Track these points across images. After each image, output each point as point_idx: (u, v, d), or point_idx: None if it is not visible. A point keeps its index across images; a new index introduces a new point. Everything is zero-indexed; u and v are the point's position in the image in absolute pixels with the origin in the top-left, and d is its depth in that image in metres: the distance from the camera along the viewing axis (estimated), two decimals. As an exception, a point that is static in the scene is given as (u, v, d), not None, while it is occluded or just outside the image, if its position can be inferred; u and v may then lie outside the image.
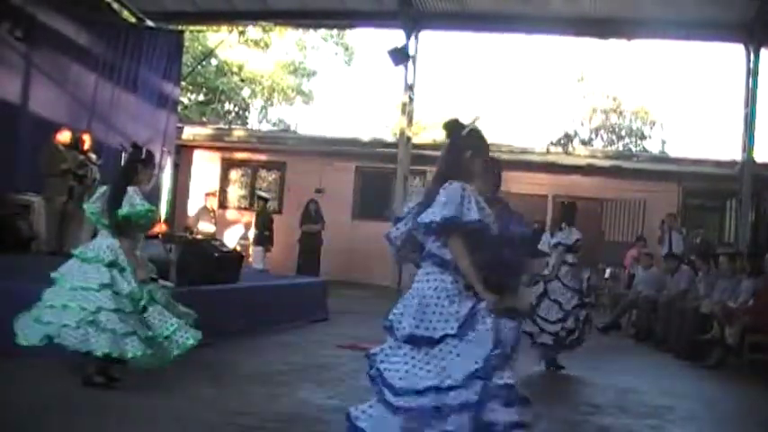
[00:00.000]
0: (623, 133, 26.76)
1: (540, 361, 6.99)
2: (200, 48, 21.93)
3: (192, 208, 14.80)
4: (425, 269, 3.06)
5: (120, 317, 4.57)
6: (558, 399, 5.71)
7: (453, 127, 3.23)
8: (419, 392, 2.83)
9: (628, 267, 12.48)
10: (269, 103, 26.21)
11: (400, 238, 3.19)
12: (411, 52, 13.69)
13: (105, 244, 4.78)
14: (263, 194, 13.93)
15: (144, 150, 5.08)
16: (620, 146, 26.07)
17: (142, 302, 4.73)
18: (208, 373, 5.41)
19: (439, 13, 13.87)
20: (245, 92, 25.48)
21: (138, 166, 4.97)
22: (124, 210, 4.72)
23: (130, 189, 4.81)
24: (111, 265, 4.71)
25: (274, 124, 26.24)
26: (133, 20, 14.66)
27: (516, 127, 36.93)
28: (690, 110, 36.47)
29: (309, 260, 12.86)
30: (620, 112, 26.77)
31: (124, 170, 5.02)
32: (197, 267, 7.04)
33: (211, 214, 12.57)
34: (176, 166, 15.29)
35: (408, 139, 14.26)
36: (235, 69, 24.47)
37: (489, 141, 3.34)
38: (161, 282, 5.17)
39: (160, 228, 11.33)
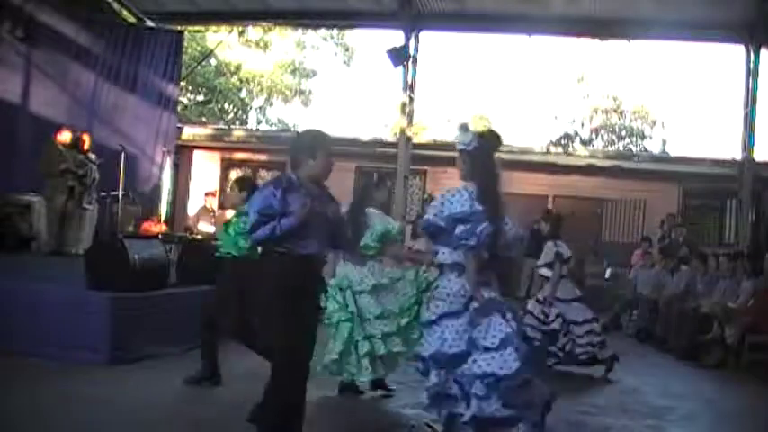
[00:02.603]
0: (623, 133, 26.71)
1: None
2: (198, 48, 21.90)
3: (192, 208, 14.78)
4: None
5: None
6: (558, 398, 5.70)
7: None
8: None
9: (635, 267, 12.40)
10: (268, 102, 26.18)
11: None
12: (411, 52, 13.67)
13: (367, 270, 5.21)
14: None
15: (375, 176, 5.57)
16: (620, 146, 26.02)
17: (406, 313, 5.05)
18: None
19: (439, 13, 13.83)
20: (243, 92, 25.44)
21: (372, 189, 5.41)
22: (380, 228, 5.14)
23: (373, 210, 5.21)
24: (374, 289, 5.17)
25: (273, 125, 26.21)
26: (133, 20, 14.62)
27: (516, 127, 37.00)
28: (690, 110, 36.48)
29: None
30: (621, 112, 26.69)
31: (360, 196, 5.40)
32: (197, 267, 7.02)
33: (211, 214, 12.55)
34: (176, 167, 15.27)
35: (408, 139, 14.23)
36: (233, 69, 24.44)
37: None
38: None
39: (160, 228, 11.37)
